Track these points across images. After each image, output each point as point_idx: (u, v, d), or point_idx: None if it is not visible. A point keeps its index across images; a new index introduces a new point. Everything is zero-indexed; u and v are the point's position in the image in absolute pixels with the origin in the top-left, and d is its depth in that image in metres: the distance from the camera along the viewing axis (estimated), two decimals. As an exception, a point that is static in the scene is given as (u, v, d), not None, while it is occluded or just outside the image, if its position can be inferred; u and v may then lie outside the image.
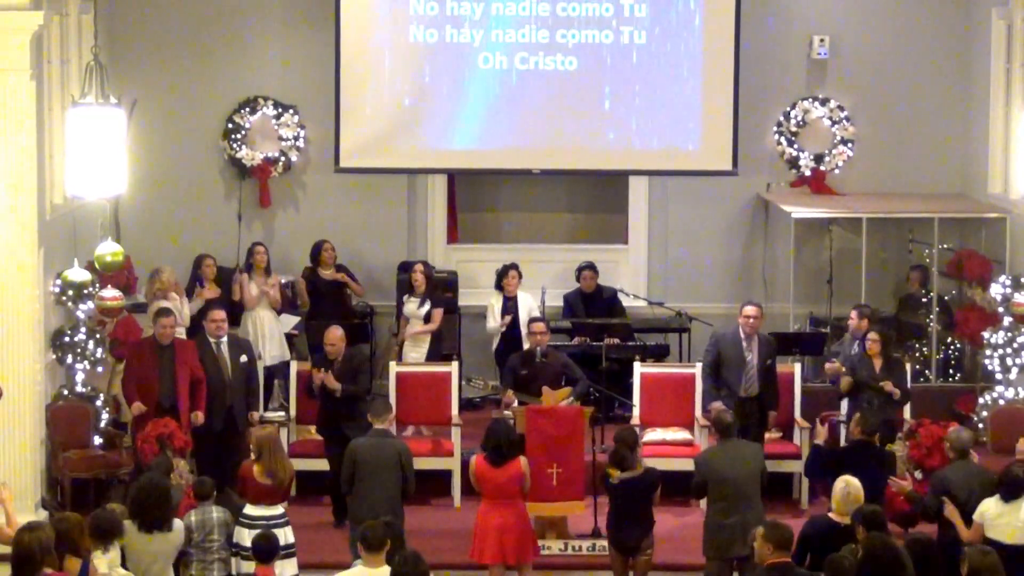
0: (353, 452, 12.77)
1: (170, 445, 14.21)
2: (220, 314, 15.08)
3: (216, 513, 12.17)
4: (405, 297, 16.87)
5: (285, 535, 12.19)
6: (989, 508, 11.75)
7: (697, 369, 15.52)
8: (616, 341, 17.01)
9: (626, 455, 12.68)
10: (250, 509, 12.27)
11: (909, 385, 15.44)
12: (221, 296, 16.74)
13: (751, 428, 14.67)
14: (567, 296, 17.74)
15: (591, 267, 17.74)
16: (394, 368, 15.89)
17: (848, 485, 11.39)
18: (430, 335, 16.65)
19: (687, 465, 14.54)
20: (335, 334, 14.79)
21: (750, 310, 15.00)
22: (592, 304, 17.66)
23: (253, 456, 12.49)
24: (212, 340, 14.84)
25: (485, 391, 17.11)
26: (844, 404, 15.18)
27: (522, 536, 12.82)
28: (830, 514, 11.43)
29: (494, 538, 12.68)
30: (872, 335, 14.92)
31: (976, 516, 11.77)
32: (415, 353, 16.63)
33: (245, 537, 11.97)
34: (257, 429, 13.47)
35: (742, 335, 14.97)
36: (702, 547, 12.65)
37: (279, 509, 12.33)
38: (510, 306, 17.14)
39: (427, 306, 16.67)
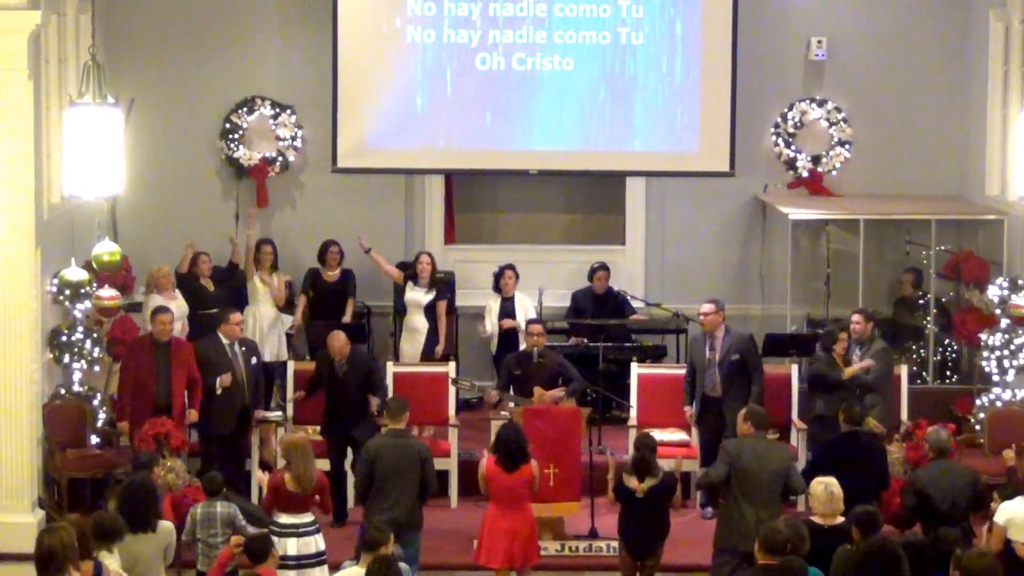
0: (370, 454, 12.70)
1: (167, 444, 14.23)
2: (239, 316, 15.23)
3: (220, 508, 12.19)
4: (408, 284, 16.90)
5: (316, 543, 12.22)
6: (1017, 510, 11.68)
7: (694, 370, 15.57)
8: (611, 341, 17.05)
9: (651, 461, 12.70)
10: (281, 517, 12.22)
11: (905, 387, 15.55)
12: (217, 293, 16.81)
13: (710, 428, 14.87)
14: (576, 294, 17.76)
15: (604, 267, 17.74)
16: (391, 368, 15.90)
17: (829, 485, 11.37)
18: (425, 330, 16.74)
19: (683, 466, 14.56)
20: (340, 340, 14.81)
21: (703, 308, 15.17)
22: (601, 305, 17.64)
23: (283, 463, 12.46)
24: (226, 341, 14.89)
25: (472, 392, 17.11)
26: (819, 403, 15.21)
27: (529, 540, 12.81)
28: (813, 517, 11.40)
29: (503, 542, 12.64)
30: (843, 334, 15.09)
31: (1001, 520, 11.69)
32: (410, 347, 16.70)
33: (286, 547, 11.98)
34: (286, 435, 13.46)
35: (706, 335, 15.10)
36: (714, 536, 12.61)
37: (309, 516, 12.29)
38: (507, 307, 17.16)
39: (432, 295, 16.80)
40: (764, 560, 10.20)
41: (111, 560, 10.60)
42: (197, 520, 12.26)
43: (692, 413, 15.12)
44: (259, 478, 13.16)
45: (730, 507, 12.47)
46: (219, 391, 14.75)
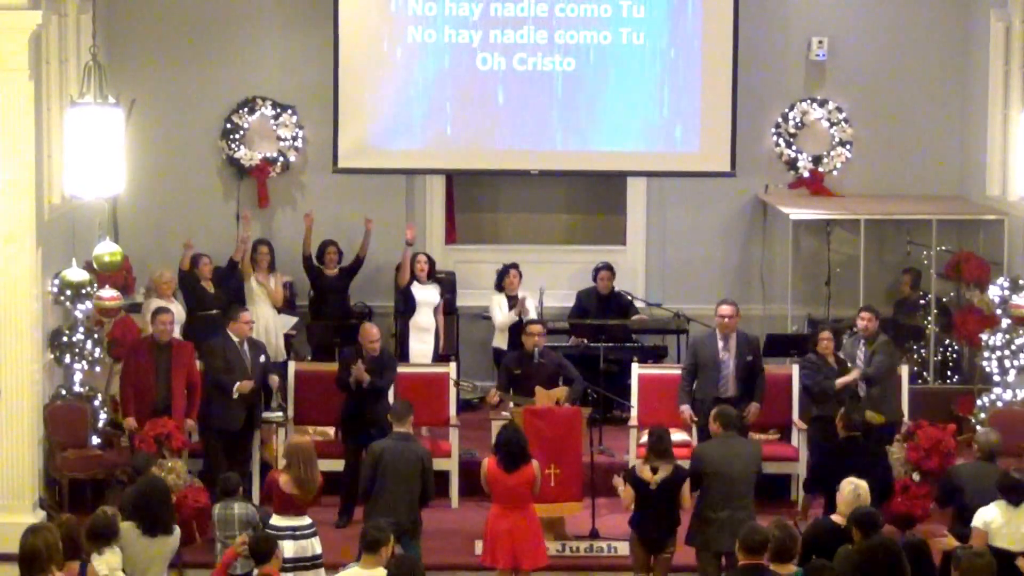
0: (374, 455, 12.71)
1: (167, 445, 14.22)
2: (248, 315, 15.26)
3: (238, 510, 12.18)
4: (415, 284, 16.92)
5: (313, 546, 12.17)
6: (994, 515, 11.66)
7: (695, 371, 15.54)
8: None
9: (669, 443, 12.70)
10: (276, 520, 12.19)
11: (906, 387, 15.54)
12: (218, 294, 16.80)
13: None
14: (580, 294, 17.73)
15: (608, 268, 17.69)
16: (392, 369, 15.91)
17: (858, 487, 11.36)
18: (434, 329, 16.80)
19: (684, 466, 14.56)
20: (375, 332, 14.90)
21: (725, 309, 15.02)
22: (606, 305, 17.61)
23: (283, 465, 12.45)
24: (236, 339, 14.91)
25: (473, 393, 17.12)
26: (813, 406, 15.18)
27: (534, 540, 12.79)
28: (833, 516, 11.40)
29: (507, 543, 12.64)
30: (825, 334, 14.99)
31: (979, 524, 11.67)
32: (421, 346, 16.76)
33: (283, 550, 11.93)
34: (293, 437, 13.45)
35: (718, 336, 15.00)
36: (686, 537, 12.65)
37: (307, 519, 12.26)
38: (512, 305, 17.16)
39: (436, 292, 16.94)
40: (745, 560, 10.18)
41: (100, 562, 10.60)
42: (215, 521, 12.26)
43: (691, 414, 14.97)
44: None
45: (701, 508, 12.51)
46: (236, 395, 14.75)
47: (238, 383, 14.74)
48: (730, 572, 10.62)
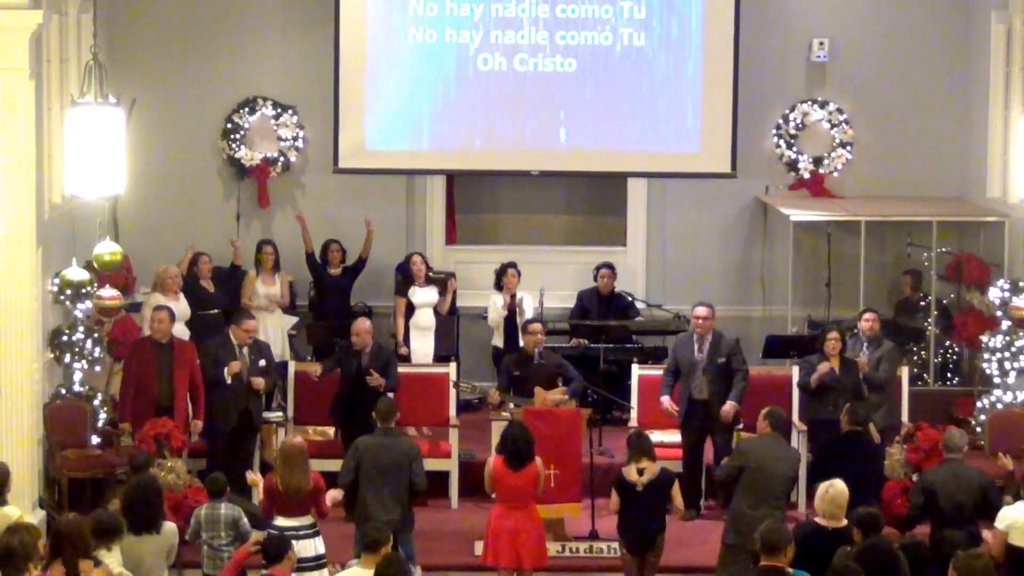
0: (359, 450, 12.72)
1: (167, 445, 14.22)
2: (253, 324, 15.09)
3: (225, 510, 12.14)
4: (411, 289, 16.95)
5: (315, 546, 12.12)
6: (1016, 516, 11.64)
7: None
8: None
9: (651, 444, 12.75)
10: (278, 520, 12.15)
11: (906, 389, 15.51)
12: (219, 294, 16.79)
13: (695, 430, 14.89)
14: (582, 294, 17.72)
15: (609, 267, 17.65)
16: (392, 369, 15.90)
17: (831, 487, 11.35)
18: (433, 328, 16.88)
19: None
20: (362, 325, 14.90)
21: (700, 311, 15.08)
22: (607, 306, 17.60)
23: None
24: (236, 342, 14.89)
25: (473, 394, 17.11)
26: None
27: (537, 540, 12.76)
28: (816, 518, 11.38)
29: (509, 541, 12.60)
30: (833, 334, 14.95)
31: (1001, 526, 11.66)
32: (421, 345, 16.82)
33: None
34: (284, 439, 13.43)
35: (695, 337, 15.05)
36: (723, 535, 12.65)
37: (307, 520, 12.20)
38: (511, 305, 17.18)
39: (435, 292, 16.99)
40: (767, 561, 10.15)
41: (110, 559, 10.61)
42: (201, 521, 12.24)
43: (671, 404, 15.00)
44: (251, 480, 12.98)
45: (741, 506, 12.49)
46: (229, 380, 14.71)
47: (227, 366, 14.71)
48: (751, 573, 10.58)
